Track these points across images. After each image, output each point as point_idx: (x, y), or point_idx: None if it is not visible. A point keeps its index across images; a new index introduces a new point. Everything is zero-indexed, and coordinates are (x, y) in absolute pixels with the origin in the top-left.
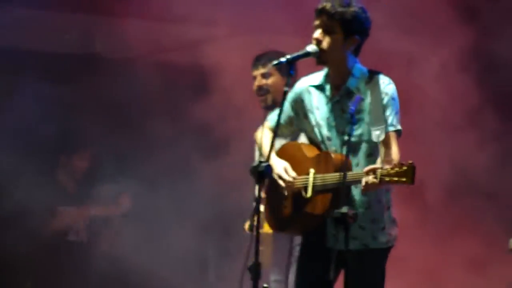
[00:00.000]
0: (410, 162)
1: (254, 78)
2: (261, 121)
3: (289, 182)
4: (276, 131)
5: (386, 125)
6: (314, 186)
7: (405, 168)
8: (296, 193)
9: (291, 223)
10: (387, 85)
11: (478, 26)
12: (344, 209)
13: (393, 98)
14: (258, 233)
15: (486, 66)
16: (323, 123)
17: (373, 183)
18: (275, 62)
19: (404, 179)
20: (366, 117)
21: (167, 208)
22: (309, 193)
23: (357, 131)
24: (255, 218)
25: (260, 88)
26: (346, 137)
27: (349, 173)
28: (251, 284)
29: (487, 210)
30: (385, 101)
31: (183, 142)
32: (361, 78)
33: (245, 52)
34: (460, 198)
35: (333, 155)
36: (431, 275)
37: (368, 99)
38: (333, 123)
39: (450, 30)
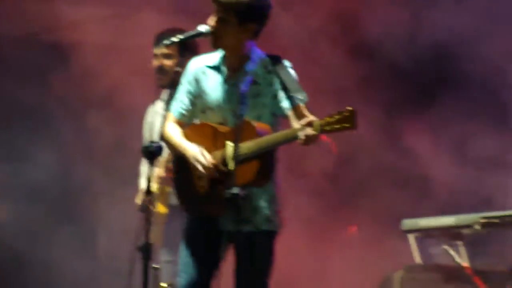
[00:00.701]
0: (350, 108)
1: (155, 56)
2: (153, 97)
3: (208, 165)
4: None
5: (296, 100)
6: (235, 157)
7: (346, 113)
8: (215, 173)
9: (211, 202)
10: (289, 67)
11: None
12: (235, 190)
13: (296, 78)
14: (149, 213)
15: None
16: (218, 105)
17: (313, 135)
18: (166, 41)
19: (347, 125)
20: (266, 100)
21: None
22: (231, 166)
23: (253, 112)
24: (147, 198)
25: (160, 68)
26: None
27: (283, 132)
28: (142, 264)
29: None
30: (290, 80)
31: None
32: (259, 62)
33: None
34: (344, 180)
35: (253, 123)
36: (319, 256)
37: (269, 82)
38: (228, 106)
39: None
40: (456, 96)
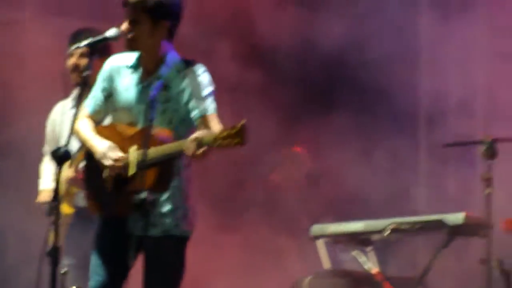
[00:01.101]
0: (242, 122)
1: (70, 54)
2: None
3: (113, 163)
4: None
5: (205, 109)
6: (137, 163)
7: (236, 129)
8: (119, 173)
9: (116, 204)
10: (202, 73)
11: None
12: (144, 195)
13: (208, 85)
14: (58, 216)
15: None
16: (129, 105)
17: (197, 152)
18: (74, 46)
19: (236, 140)
20: (176, 105)
21: None
22: (131, 171)
23: (164, 117)
24: (54, 201)
25: (76, 66)
26: (148, 123)
27: (173, 144)
28: (50, 269)
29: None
30: (201, 88)
31: None
32: (173, 67)
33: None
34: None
35: (155, 130)
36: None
37: (181, 88)
38: (138, 107)
39: None
40: (352, 102)
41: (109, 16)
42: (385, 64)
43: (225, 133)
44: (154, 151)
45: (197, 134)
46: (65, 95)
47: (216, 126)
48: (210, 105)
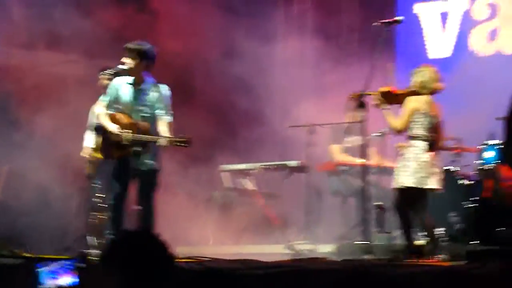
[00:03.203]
0: (189, 136)
1: (101, 77)
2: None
3: (119, 136)
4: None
5: (167, 112)
6: (128, 137)
7: (184, 138)
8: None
9: (123, 151)
10: (165, 90)
11: None
12: (136, 147)
13: (168, 97)
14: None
15: None
16: (126, 104)
17: (165, 145)
18: (102, 73)
19: (185, 145)
20: (152, 106)
21: None
22: (125, 139)
23: (146, 111)
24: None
25: (106, 86)
26: (141, 114)
27: (153, 136)
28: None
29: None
30: (164, 99)
31: None
32: (151, 84)
33: None
34: None
35: (141, 123)
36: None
37: (154, 96)
38: (132, 105)
39: None
40: None
41: (118, 55)
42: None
43: (179, 138)
44: (138, 136)
45: (166, 134)
46: (98, 96)
47: (171, 130)
48: (170, 116)
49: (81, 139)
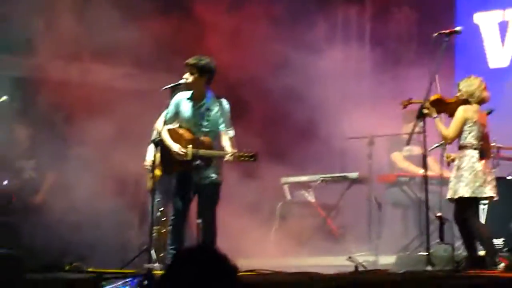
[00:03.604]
0: (255, 152)
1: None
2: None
3: (182, 155)
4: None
5: (229, 127)
6: (192, 154)
7: (252, 153)
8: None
9: (184, 167)
10: (226, 104)
11: None
12: (197, 162)
13: (229, 112)
14: (153, 174)
15: None
16: (187, 119)
17: (232, 160)
18: (164, 87)
19: (252, 159)
20: (215, 120)
21: None
22: (189, 157)
23: (207, 127)
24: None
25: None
26: (202, 129)
27: (219, 152)
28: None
29: None
30: (225, 113)
31: None
32: (212, 98)
33: None
34: None
35: (203, 138)
36: None
37: (216, 111)
38: (193, 120)
39: None
40: None
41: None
42: None
43: (244, 153)
44: (204, 152)
45: (233, 150)
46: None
47: (234, 144)
48: (232, 130)
49: (138, 153)
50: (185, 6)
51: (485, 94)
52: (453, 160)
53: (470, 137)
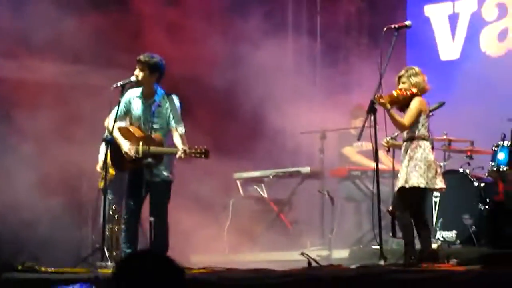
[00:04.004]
0: (205, 148)
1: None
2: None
3: (131, 154)
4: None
5: (180, 124)
6: (143, 151)
7: (203, 149)
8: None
9: (134, 164)
10: (176, 101)
11: None
12: (149, 159)
13: (179, 108)
14: (106, 173)
15: None
16: (138, 117)
17: (184, 157)
18: (114, 85)
19: (204, 156)
20: (164, 116)
21: None
22: (140, 155)
23: (158, 123)
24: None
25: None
26: (153, 126)
27: (169, 149)
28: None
29: None
30: (175, 110)
31: None
32: (162, 95)
33: None
34: None
35: (153, 135)
36: None
37: (166, 107)
38: (143, 118)
39: None
40: None
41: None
42: None
43: (197, 149)
44: (155, 149)
45: (184, 147)
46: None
47: (185, 141)
48: (183, 127)
49: (89, 150)
50: (124, 0)
51: (427, 85)
52: (392, 145)
53: (423, 129)
